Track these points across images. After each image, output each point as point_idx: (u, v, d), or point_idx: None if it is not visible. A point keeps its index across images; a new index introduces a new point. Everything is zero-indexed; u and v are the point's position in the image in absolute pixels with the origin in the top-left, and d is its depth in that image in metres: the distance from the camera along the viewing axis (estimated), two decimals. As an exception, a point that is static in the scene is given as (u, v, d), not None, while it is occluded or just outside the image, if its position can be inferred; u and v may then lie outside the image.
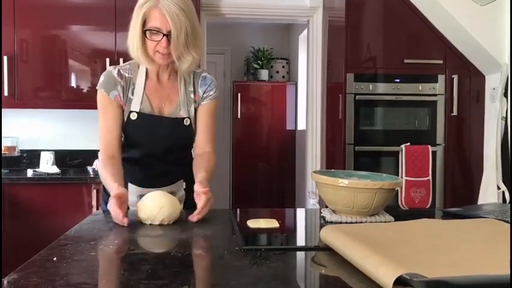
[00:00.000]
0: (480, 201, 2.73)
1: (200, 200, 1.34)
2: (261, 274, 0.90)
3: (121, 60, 2.92)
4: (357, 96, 2.94)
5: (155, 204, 1.28)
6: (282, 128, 5.13)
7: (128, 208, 1.41)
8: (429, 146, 2.84)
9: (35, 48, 3.06)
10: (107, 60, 3.05)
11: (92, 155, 3.15)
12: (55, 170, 3.00)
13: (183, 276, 0.88)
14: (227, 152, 5.19)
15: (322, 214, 1.40)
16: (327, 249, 1.00)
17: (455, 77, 2.96)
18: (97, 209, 2.75)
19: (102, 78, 1.56)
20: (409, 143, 2.84)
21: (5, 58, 2.97)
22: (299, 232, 1.44)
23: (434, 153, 2.91)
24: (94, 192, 2.82)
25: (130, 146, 1.59)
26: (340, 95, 2.98)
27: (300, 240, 1.35)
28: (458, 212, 1.47)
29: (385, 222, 1.28)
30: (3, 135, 3.15)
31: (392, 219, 1.31)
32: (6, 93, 2.98)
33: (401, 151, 2.82)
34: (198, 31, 1.49)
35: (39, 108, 3.21)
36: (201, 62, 2.90)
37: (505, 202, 2.62)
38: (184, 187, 1.66)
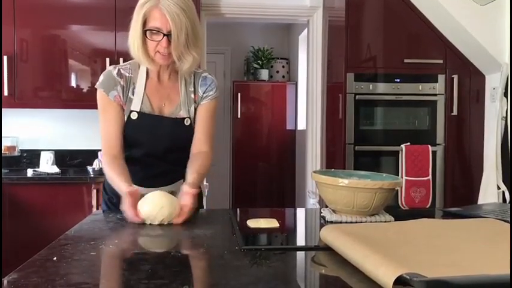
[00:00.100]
0: (480, 201, 2.73)
1: (185, 199, 1.34)
2: (261, 274, 0.90)
3: (121, 60, 2.92)
4: (357, 96, 2.94)
5: (155, 204, 1.28)
6: (282, 128, 5.13)
7: None
8: (429, 146, 2.84)
9: (35, 48, 3.06)
10: (107, 60, 3.05)
11: (92, 154, 3.16)
12: (55, 169, 2.99)
13: (183, 276, 0.88)
14: (227, 152, 5.18)
15: (322, 214, 1.40)
16: (327, 249, 1.00)
17: (455, 77, 2.96)
18: (97, 208, 2.75)
19: (101, 77, 1.55)
20: (409, 143, 2.84)
21: (5, 58, 2.97)
22: (299, 232, 1.44)
23: (434, 153, 2.91)
24: (94, 192, 2.82)
25: (131, 146, 1.59)
26: (340, 95, 2.98)
27: (300, 240, 1.35)
28: (458, 212, 1.47)
29: (385, 222, 1.28)
30: (3, 135, 3.15)
31: (392, 219, 1.31)
32: (6, 93, 2.98)
33: (402, 151, 2.82)
34: (198, 31, 1.49)
35: (39, 108, 3.22)
36: (201, 62, 2.90)
37: (505, 202, 2.62)
38: (184, 187, 1.66)
